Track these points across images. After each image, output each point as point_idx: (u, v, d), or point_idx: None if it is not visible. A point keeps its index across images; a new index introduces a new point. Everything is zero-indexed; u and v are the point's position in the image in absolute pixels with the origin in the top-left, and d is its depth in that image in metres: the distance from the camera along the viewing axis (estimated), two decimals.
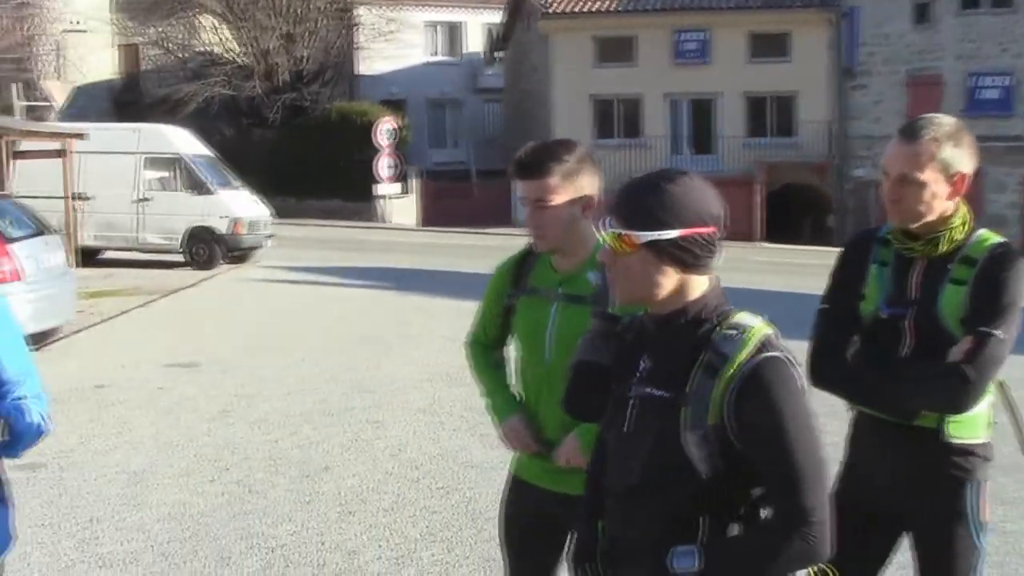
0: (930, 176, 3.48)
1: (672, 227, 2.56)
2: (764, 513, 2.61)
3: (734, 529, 2.59)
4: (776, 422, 2.47)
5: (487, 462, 8.12)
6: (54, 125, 25.22)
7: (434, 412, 9.97)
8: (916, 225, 3.55)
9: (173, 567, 6.25)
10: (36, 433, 3.41)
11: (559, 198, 3.55)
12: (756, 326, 2.57)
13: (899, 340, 3.58)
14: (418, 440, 9.00)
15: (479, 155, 44.71)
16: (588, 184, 3.61)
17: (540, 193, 3.57)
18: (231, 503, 7.38)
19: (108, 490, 7.72)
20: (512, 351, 3.97)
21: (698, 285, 2.64)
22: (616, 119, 38.78)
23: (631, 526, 2.70)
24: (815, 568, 2.76)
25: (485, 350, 4.04)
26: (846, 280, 3.75)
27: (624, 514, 2.72)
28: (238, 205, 23.39)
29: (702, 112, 38.67)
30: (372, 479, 7.91)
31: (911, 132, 3.53)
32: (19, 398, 3.37)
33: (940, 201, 3.52)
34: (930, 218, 3.52)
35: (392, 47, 40.83)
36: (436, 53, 47.53)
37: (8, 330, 3.45)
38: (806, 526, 2.46)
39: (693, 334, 2.60)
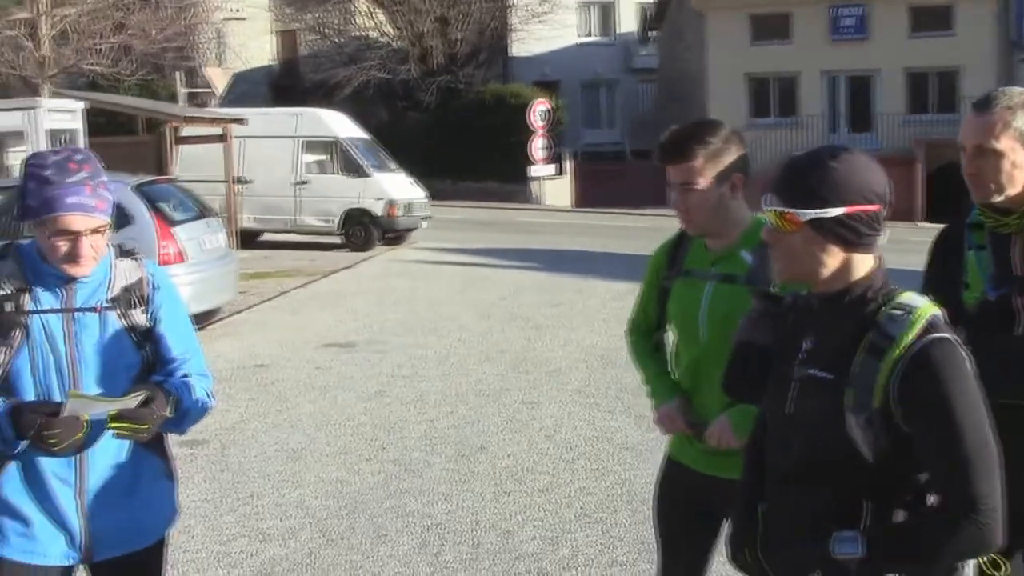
0: (1007, 145, 3.36)
1: (836, 205, 2.49)
2: (931, 500, 2.51)
3: (899, 515, 2.51)
4: (944, 406, 2.38)
5: (643, 444, 8.04)
6: (215, 111, 25.84)
7: (589, 393, 9.91)
8: (1000, 199, 3.38)
9: (330, 543, 6.33)
10: (201, 410, 3.47)
11: (705, 180, 3.48)
12: (922, 306, 2.48)
13: (1013, 320, 3.42)
14: (573, 421, 8.96)
15: (633, 135, 44.42)
16: (734, 164, 3.51)
17: (685, 176, 3.50)
18: (388, 481, 7.45)
19: (268, 467, 7.87)
20: (669, 337, 3.91)
21: (862, 264, 2.55)
22: (771, 98, 38.07)
23: (791, 510, 2.62)
24: (986, 558, 2.64)
25: (645, 336, 3.98)
26: (943, 274, 3.60)
27: (784, 498, 2.65)
28: (394, 187, 23.61)
29: (860, 89, 37.67)
30: (527, 459, 7.90)
31: (984, 103, 3.42)
32: (185, 376, 3.43)
33: (1021, 171, 3.36)
34: (1012, 191, 3.36)
35: (545, 28, 40.75)
36: (590, 33, 47.32)
37: (174, 310, 3.50)
38: (976, 513, 2.36)
39: (858, 314, 2.52)
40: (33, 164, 3.23)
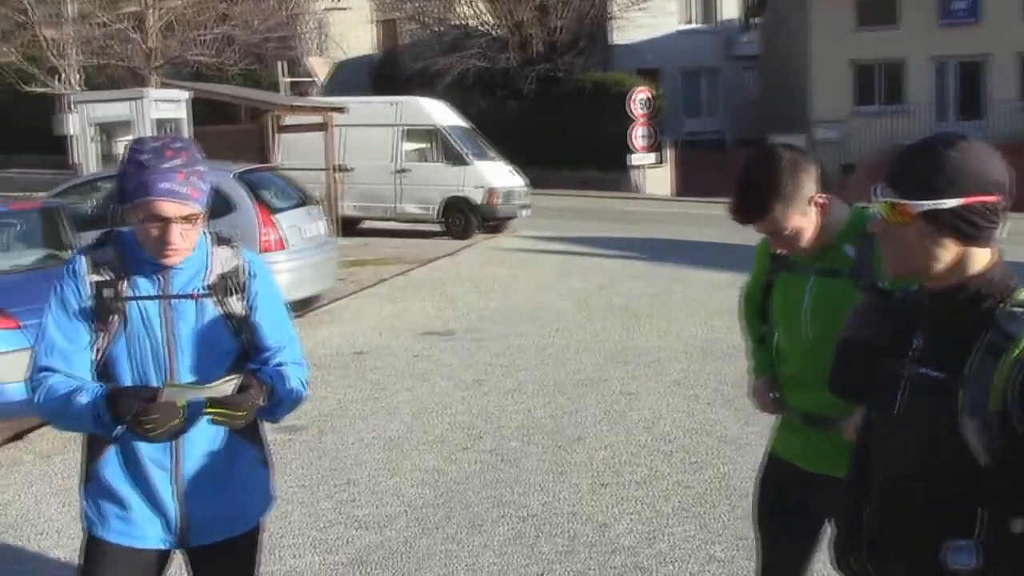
0: (795, 222, 3.36)
1: (951, 196, 2.35)
2: None
3: (1018, 525, 2.35)
4: None
5: (742, 437, 7.91)
6: (317, 100, 26.05)
7: (689, 385, 9.78)
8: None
9: (426, 532, 6.32)
10: (295, 399, 3.46)
11: (791, 222, 3.39)
12: None
13: None
14: (672, 413, 8.84)
15: (735, 123, 43.93)
16: (810, 185, 3.40)
17: (771, 228, 3.44)
18: (484, 471, 7.42)
19: (365, 454, 7.89)
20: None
21: (980, 258, 2.41)
22: (877, 85, 37.27)
23: (900, 516, 2.50)
24: None
25: (755, 304, 3.93)
26: None
27: (893, 502, 2.52)
28: (493, 175, 23.60)
29: (970, 75, 36.76)
30: (625, 451, 7.81)
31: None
32: (280, 364, 3.42)
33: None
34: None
35: (646, 16, 40.38)
36: (691, 21, 46.79)
37: (271, 298, 3.50)
38: None
39: (974, 311, 2.37)
40: (133, 148, 3.26)
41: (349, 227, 23.51)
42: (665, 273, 16.96)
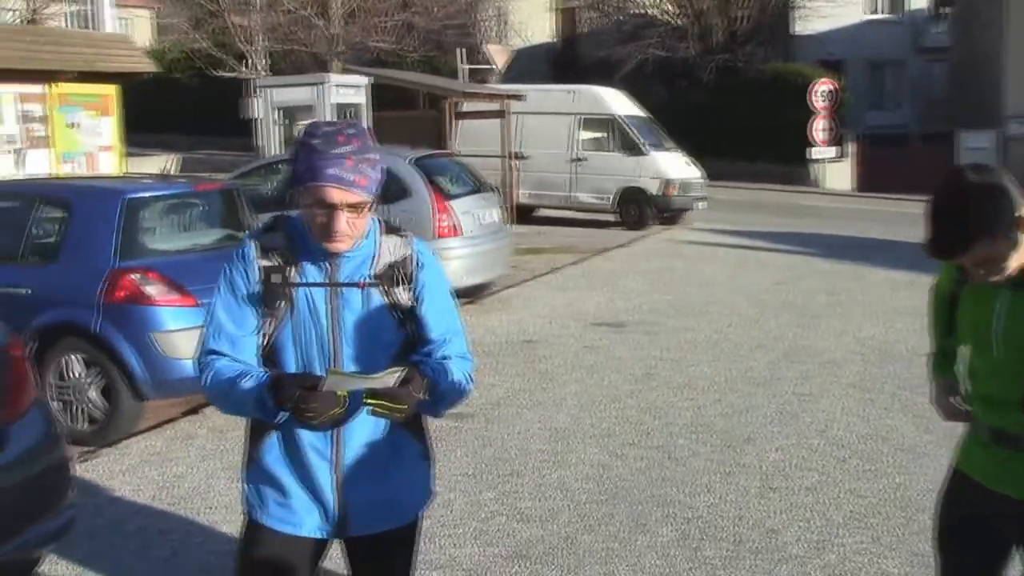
0: None
1: None
2: None
3: None
4: None
5: (920, 446, 7.61)
6: (494, 87, 26.13)
7: (865, 388, 9.46)
8: None
9: (588, 528, 6.24)
10: (459, 394, 3.39)
11: (996, 251, 3.11)
12: None
13: None
14: (847, 417, 8.55)
15: (920, 118, 42.63)
16: (1011, 209, 3.09)
17: (974, 261, 3.16)
18: (650, 468, 7.30)
19: (531, 445, 7.85)
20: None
21: None
22: None
23: None
24: None
25: (944, 302, 3.62)
26: None
27: None
28: (670, 166, 23.33)
29: None
30: (796, 455, 7.58)
31: None
32: (445, 358, 3.36)
33: None
34: None
35: (830, 5, 39.39)
36: (876, 11, 45.56)
37: (438, 290, 3.44)
38: None
39: None
40: (307, 132, 3.25)
41: (524, 215, 23.59)
42: (843, 271, 16.52)
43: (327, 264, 3.30)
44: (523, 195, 23.67)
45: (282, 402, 3.11)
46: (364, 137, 3.24)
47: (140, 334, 8.01)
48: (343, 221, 3.16)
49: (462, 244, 13.25)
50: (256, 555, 3.47)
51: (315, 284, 3.29)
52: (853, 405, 8.89)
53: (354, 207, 3.17)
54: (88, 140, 16.23)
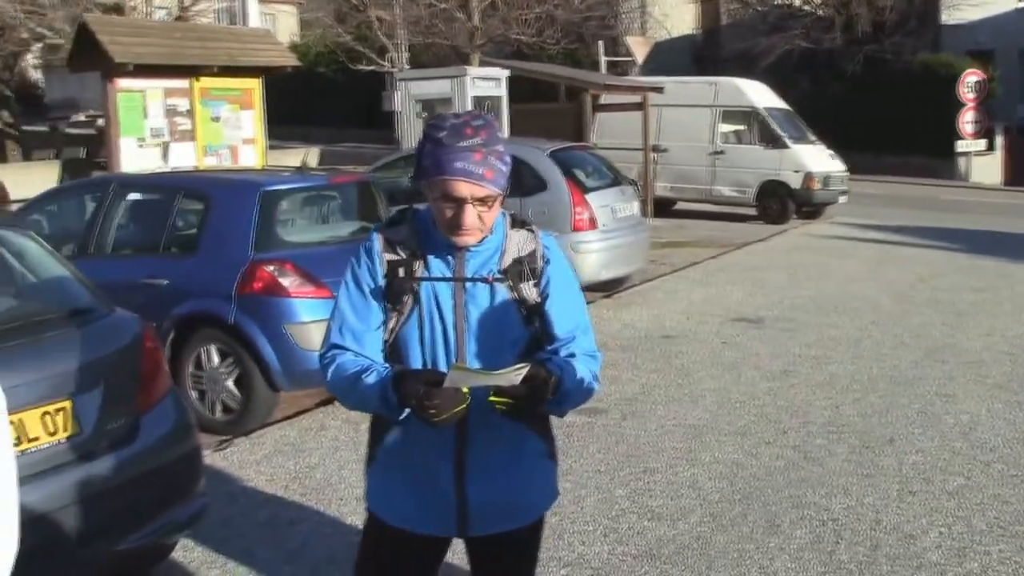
0: None
1: None
2: None
3: None
4: None
5: None
6: (634, 79, 26.00)
7: (1012, 390, 9.08)
8: None
9: (720, 528, 6.11)
10: (585, 393, 3.30)
11: None
12: None
13: None
14: (992, 419, 8.22)
15: None
16: None
17: None
18: (786, 468, 7.12)
19: (665, 442, 7.73)
20: None
21: None
22: None
23: None
24: None
25: None
26: None
27: None
28: (812, 160, 22.88)
29: None
30: (938, 457, 7.31)
31: None
32: (570, 355, 3.29)
33: None
34: None
35: None
36: None
37: (566, 285, 3.37)
38: None
39: None
40: (432, 125, 3.19)
41: (663, 208, 23.43)
42: (990, 267, 15.99)
43: (453, 258, 3.24)
44: (662, 188, 23.49)
45: (406, 399, 3.05)
46: (491, 128, 3.16)
47: (275, 325, 8.11)
48: (472, 215, 3.11)
49: (599, 237, 13.15)
50: (377, 552, 3.45)
51: (441, 279, 3.24)
52: (999, 407, 8.55)
53: (483, 200, 3.11)
54: (231, 133, 16.53)
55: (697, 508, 6.43)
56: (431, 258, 3.25)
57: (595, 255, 13.09)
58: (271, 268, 8.23)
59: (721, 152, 23.28)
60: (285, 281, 8.19)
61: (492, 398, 3.04)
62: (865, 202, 24.98)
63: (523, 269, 3.28)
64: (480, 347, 3.24)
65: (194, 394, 8.58)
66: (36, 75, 46.87)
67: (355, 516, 6.25)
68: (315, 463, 7.43)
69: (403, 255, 3.26)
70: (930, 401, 8.72)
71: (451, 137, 3.09)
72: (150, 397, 5.25)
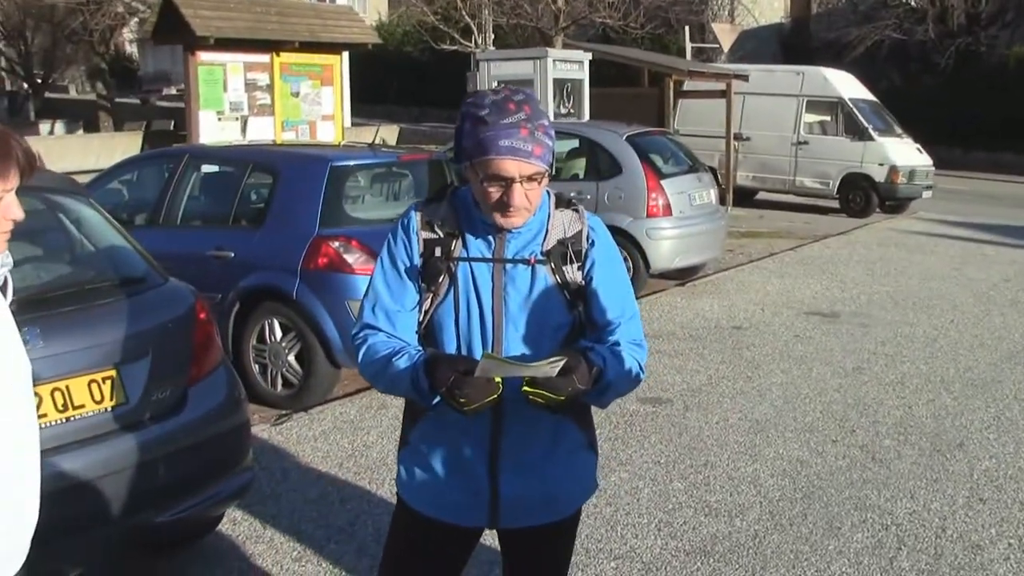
0: None
1: None
2: None
3: None
4: None
5: None
6: (718, 66, 25.60)
7: None
8: None
9: (779, 527, 5.92)
10: (629, 384, 3.14)
11: None
12: None
13: None
14: None
15: None
16: None
17: None
18: (851, 468, 6.90)
19: (727, 436, 7.55)
20: None
21: None
22: None
23: None
24: None
25: None
26: None
27: None
28: (898, 153, 22.36)
29: None
30: (1012, 465, 7.02)
31: None
32: (616, 343, 3.11)
33: None
34: None
35: None
36: None
37: (611, 269, 3.19)
38: None
39: None
40: (470, 103, 3.02)
41: (745, 198, 23.12)
42: None
43: (494, 239, 3.09)
44: (744, 177, 23.16)
45: (437, 384, 2.91)
46: (533, 102, 2.99)
47: (337, 301, 8.04)
48: (521, 194, 2.94)
49: (673, 224, 12.96)
50: (405, 540, 3.34)
51: (480, 259, 3.09)
52: None
53: (530, 178, 2.94)
54: (310, 109, 16.57)
55: (755, 505, 6.25)
56: (470, 238, 3.10)
57: (669, 242, 12.90)
58: (336, 244, 8.17)
59: (805, 142, 22.88)
60: (350, 257, 8.12)
61: (526, 388, 2.88)
62: (951, 198, 24.45)
63: (567, 251, 3.11)
64: (521, 332, 3.09)
65: (256, 367, 8.57)
66: (131, 49, 47.60)
67: None
68: (372, 442, 7.36)
69: (440, 234, 3.11)
70: (1007, 405, 8.41)
71: (494, 115, 2.92)
72: (200, 369, 5.20)
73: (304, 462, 6.99)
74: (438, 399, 2.98)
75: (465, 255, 3.09)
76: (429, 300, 3.12)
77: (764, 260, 15.92)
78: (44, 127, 33.13)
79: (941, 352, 10.13)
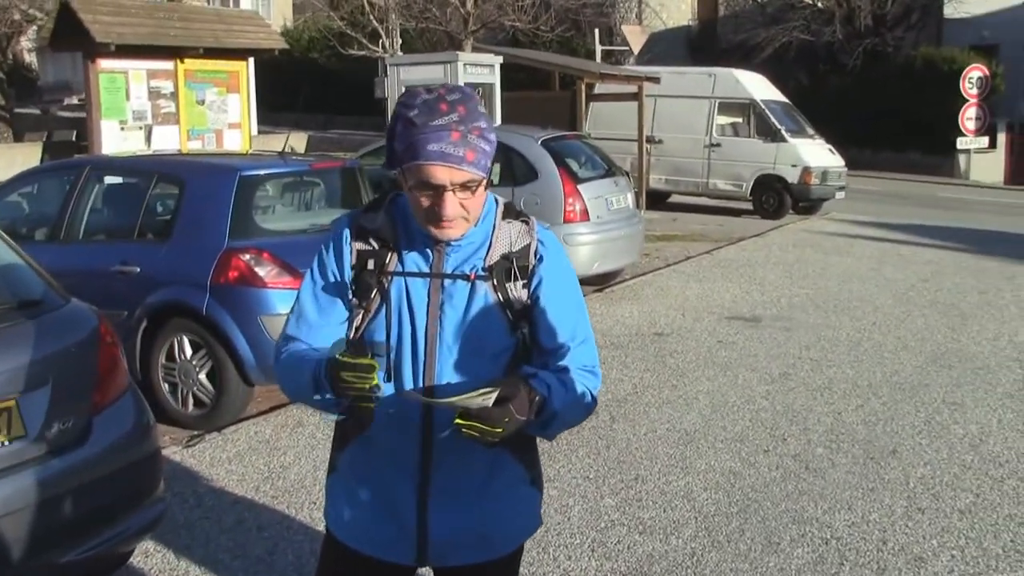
0: None
1: None
2: None
3: None
4: None
5: None
6: (629, 68, 25.55)
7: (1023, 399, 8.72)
8: None
9: (715, 545, 5.71)
10: (577, 414, 2.88)
11: None
12: None
13: None
14: (1004, 431, 7.80)
15: None
16: None
17: None
18: (785, 479, 6.72)
19: (657, 448, 7.34)
20: None
21: None
22: None
23: None
24: None
25: None
26: None
27: None
28: (810, 154, 22.46)
29: None
30: (947, 471, 6.90)
31: None
32: (564, 370, 2.84)
33: None
34: None
35: None
36: None
37: (561, 287, 2.91)
38: None
39: None
40: (402, 103, 2.74)
41: (657, 201, 23.08)
42: (993, 268, 15.60)
43: (432, 251, 2.82)
44: (656, 180, 23.12)
45: (335, 387, 2.67)
46: (470, 102, 2.71)
47: (249, 317, 7.71)
48: (453, 204, 2.68)
49: (591, 230, 12.77)
50: (334, 573, 3.07)
51: (414, 274, 2.83)
52: (1011, 417, 8.14)
53: (464, 186, 2.68)
54: (216, 117, 16.15)
55: (691, 521, 6.05)
56: (406, 251, 2.85)
57: (587, 248, 12.70)
58: (247, 257, 7.84)
59: (717, 144, 22.90)
60: (261, 271, 7.80)
61: (459, 421, 2.60)
62: (863, 198, 24.64)
63: (511, 266, 2.84)
64: (453, 357, 2.81)
65: (166, 386, 8.22)
66: (30, 58, 46.56)
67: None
68: (289, 462, 7.05)
69: (375, 245, 2.86)
70: (936, 409, 8.32)
71: (423, 115, 2.65)
72: (106, 396, 4.85)
73: (219, 486, 6.66)
74: (339, 415, 2.82)
75: (400, 269, 2.84)
76: (360, 316, 2.87)
77: (681, 264, 15.81)
78: None
79: (866, 356, 10.04)
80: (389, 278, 2.84)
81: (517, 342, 2.86)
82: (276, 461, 7.08)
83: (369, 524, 2.94)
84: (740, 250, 17.43)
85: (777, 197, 22.40)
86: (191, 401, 8.15)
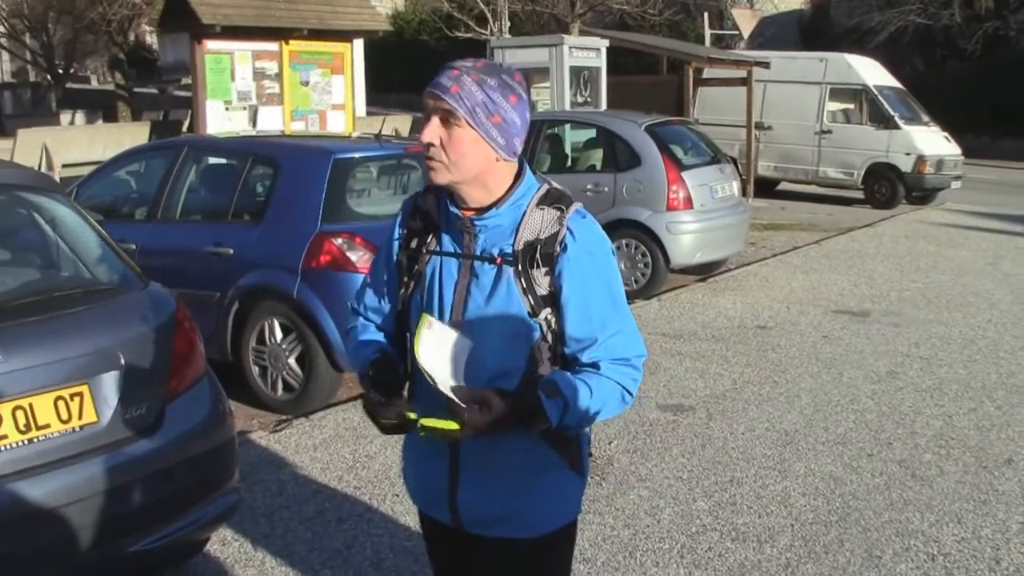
0: None
1: None
2: None
3: None
4: None
5: None
6: (739, 53, 25.08)
7: None
8: None
9: (812, 556, 5.42)
10: (606, 411, 2.83)
11: None
12: None
13: None
14: None
15: None
16: None
17: None
18: (889, 487, 6.39)
19: (754, 448, 7.05)
20: None
21: None
22: None
23: None
24: None
25: None
26: None
27: None
28: (925, 142, 21.79)
29: None
30: None
31: None
32: (591, 364, 2.83)
33: None
34: None
35: None
36: None
37: (585, 277, 2.82)
38: None
39: None
40: None
41: (765, 188, 22.62)
42: None
43: (466, 233, 2.84)
44: (765, 168, 22.64)
45: (364, 393, 2.89)
46: (493, 65, 2.81)
47: (340, 301, 7.56)
48: (432, 129, 2.73)
49: (694, 218, 12.45)
50: (427, 542, 3.29)
51: (449, 254, 2.89)
52: None
53: (447, 121, 2.71)
54: (320, 98, 16.12)
55: (787, 529, 5.76)
56: (445, 232, 2.90)
57: (689, 237, 12.40)
58: (339, 241, 7.71)
59: (828, 131, 22.32)
60: (353, 255, 7.67)
61: (423, 422, 2.72)
62: (980, 188, 23.88)
63: (535, 254, 2.79)
64: (478, 337, 2.79)
65: (256, 370, 8.14)
66: (151, 39, 47.40)
67: (409, 516, 5.77)
68: (374, 452, 6.91)
69: (422, 224, 2.95)
70: None
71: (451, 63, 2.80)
72: (181, 382, 4.75)
73: (302, 474, 6.55)
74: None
75: (439, 249, 2.92)
76: (403, 291, 3.01)
77: (788, 254, 15.41)
78: (65, 118, 33.40)
79: (980, 355, 9.59)
80: (427, 257, 2.93)
81: (539, 328, 2.83)
82: (362, 450, 6.95)
83: (420, 486, 3.11)
84: (850, 241, 16.93)
85: (889, 186, 21.79)
86: (280, 385, 8.07)
